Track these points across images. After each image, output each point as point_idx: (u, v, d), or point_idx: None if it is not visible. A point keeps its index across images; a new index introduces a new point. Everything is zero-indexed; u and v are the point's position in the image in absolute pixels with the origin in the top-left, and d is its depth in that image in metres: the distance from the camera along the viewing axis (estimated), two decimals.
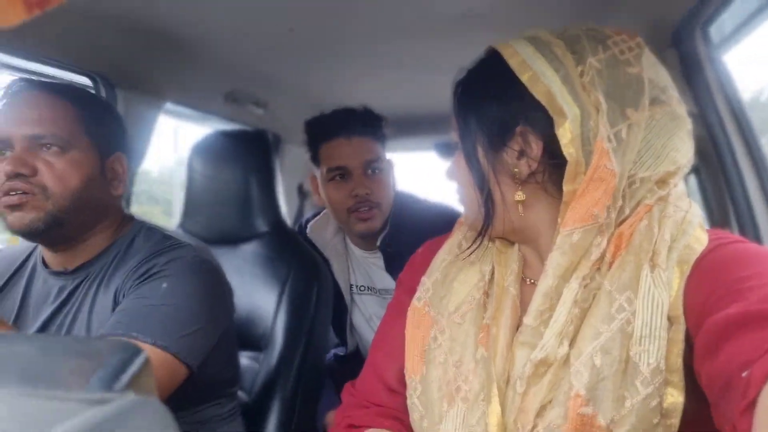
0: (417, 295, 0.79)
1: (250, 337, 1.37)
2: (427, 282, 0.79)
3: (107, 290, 0.96)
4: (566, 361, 0.61)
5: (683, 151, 0.64)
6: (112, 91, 1.41)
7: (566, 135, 0.62)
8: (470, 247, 0.77)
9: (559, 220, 0.65)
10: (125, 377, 0.26)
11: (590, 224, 0.62)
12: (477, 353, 0.69)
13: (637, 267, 0.61)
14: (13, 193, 0.90)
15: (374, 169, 1.46)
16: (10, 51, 1.18)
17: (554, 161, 0.65)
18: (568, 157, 0.62)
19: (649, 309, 0.58)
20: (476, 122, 0.70)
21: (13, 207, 0.89)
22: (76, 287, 0.98)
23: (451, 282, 0.77)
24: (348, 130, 1.44)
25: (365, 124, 1.47)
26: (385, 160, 1.51)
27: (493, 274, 0.75)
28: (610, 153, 0.61)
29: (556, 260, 0.64)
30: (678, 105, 0.66)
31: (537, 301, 0.65)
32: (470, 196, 0.73)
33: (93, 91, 1.37)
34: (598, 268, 0.63)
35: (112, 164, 1.01)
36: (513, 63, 0.66)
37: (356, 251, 1.61)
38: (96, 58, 1.32)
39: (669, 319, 0.58)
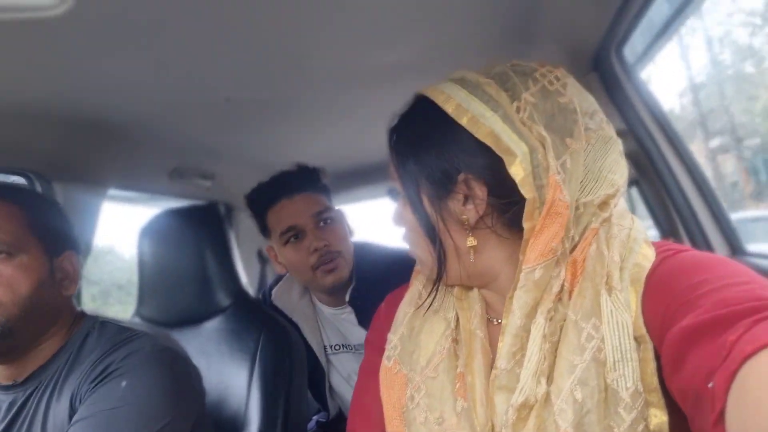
0: (386, 353, 0.77)
1: (224, 420, 1.31)
2: (393, 339, 0.78)
3: (61, 397, 0.90)
4: (547, 399, 0.60)
5: (619, 172, 0.66)
6: (48, 186, 1.37)
7: (519, 173, 0.62)
8: (429, 296, 0.76)
9: (520, 257, 0.64)
10: None
11: (550, 258, 0.62)
12: (457, 405, 0.67)
13: (595, 292, 0.61)
14: None
15: (326, 220, 1.46)
16: None
17: (502, 201, 0.65)
18: (525, 195, 0.62)
19: (615, 333, 0.58)
20: (417, 171, 0.69)
21: None
22: (27, 398, 0.92)
23: (418, 335, 0.75)
24: (288, 190, 1.45)
25: (303, 180, 1.48)
26: (333, 209, 1.50)
27: (458, 320, 0.74)
28: (561, 185, 0.62)
29: (521, 299, 0.64)
30: (607, 127, 0.67)
31: (507, 343, 0.64)
32: (420, 244, 0.73)
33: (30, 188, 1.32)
34: (560, 299, 0.63)
35: (62, 264, 0.97)
36: (448, 108, 0.66)
37: (325, 310, 1.58)
38: (28, 156, 1.29)
39: (636, 339, 0.58)
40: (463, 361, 0.69)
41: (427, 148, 0.68)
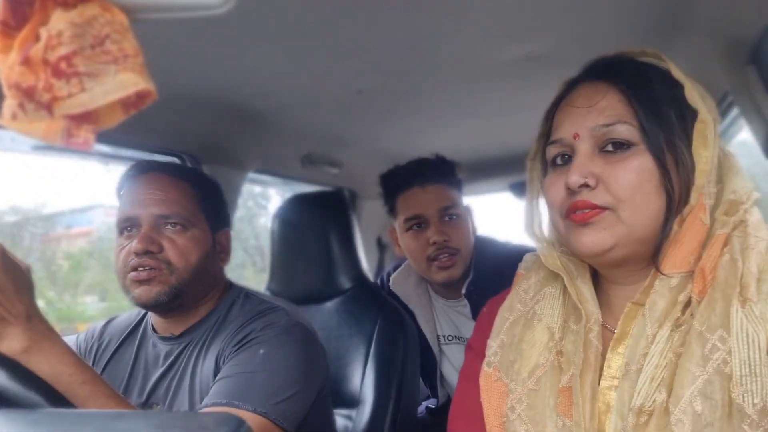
0: (486, 359, 0.76)
1: (341, 395, 1.38)
2: (493, 345, 0.76)
3: (208, 354, 1.01)
4: (665, 409, 0.57)
5: (740, 178, 0.65)
6: (198, 167, 1.53)
7: (702, 176, 0.63)
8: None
9: (658, 260, 0.63)
10: None
11: (687, 271, 0.61)
12: (558, 421, 0.65)
13: (725, 304, 0.57)
14: (142, 269, 0.98)
15: (451, 216, 1.46)
16: (100, 140, 1.31)
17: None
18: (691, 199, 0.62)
19: (745, 346, 0.55)
20: (666, 118, 0.64)
21: (142, 282, 0.97)
22: (181, 351, 1.04)
23: (519, 344, 0.73)
24: (422, 179, 1.46)
25: (438, 171, 1.48)
26: (461, 206, 1.51)
27: (563, 328, 0.70)
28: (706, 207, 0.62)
29: (655, 305, 0.62)
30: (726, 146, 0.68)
31: (638, 349, 0.62)
32: (648, 205, 0.63)
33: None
34: (692, 313, 0.60)
35: (221, 238, 1.10)
36: (677, 75, 0.66)
37: (440, 300, 1.59)
38: (181, 138, 1.44)
39: None
40: (568, 377, 0.66)
41: (670, 100, 0.65)
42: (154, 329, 1.09)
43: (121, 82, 0.40)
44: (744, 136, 1.60)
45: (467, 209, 1.54)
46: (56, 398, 0.74)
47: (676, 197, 0.63)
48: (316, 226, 1.50)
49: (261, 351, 0.94)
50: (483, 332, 0.80)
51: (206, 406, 0.89)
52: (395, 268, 1.67)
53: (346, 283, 1.49)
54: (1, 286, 0.75)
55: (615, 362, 0.65)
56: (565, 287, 0.73)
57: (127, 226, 1.01)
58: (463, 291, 1.49)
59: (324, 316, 1.46)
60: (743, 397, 0.53)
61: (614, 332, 0.66)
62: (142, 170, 1.04)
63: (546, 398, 0.67)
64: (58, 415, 0.50)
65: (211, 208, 1.08)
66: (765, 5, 0.94)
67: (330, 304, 1.48)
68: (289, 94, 1.34)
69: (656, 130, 0.63)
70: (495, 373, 0.73)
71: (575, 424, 0.63)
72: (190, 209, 1.02)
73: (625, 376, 0.62)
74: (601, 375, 0.65)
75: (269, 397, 0.89)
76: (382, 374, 1.36)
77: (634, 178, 0.62)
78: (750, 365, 0.54)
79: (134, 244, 0.97)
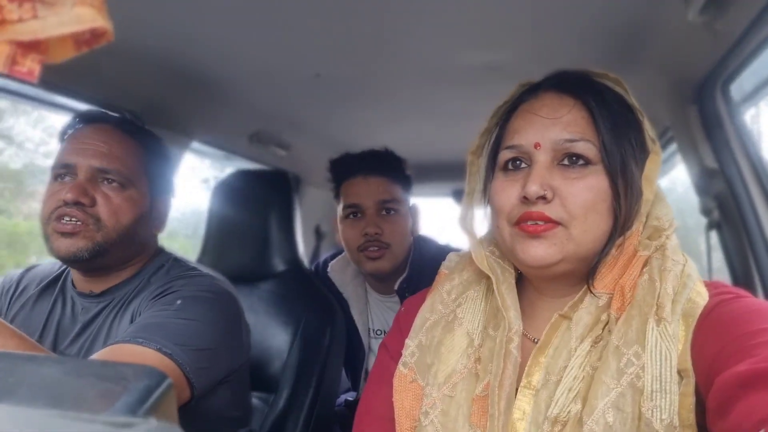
0: (402, 359, 0.74)
1: (262, 378, 1.36)
2: (411, 345, 0.75)
3: (125, 315, 0.97)
4: (579, 420, 0.59)
5: (666, 209, 0.69)
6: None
7: (646, 205, 0.66)
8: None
9: (591, 281, 0.65)
10: (149, 403, 0.27)
11: (611, 292, 0.65)
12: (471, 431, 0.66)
13: (642, 321, 0.60)
14: (68, 219, 0.92)
15: (389, 210, 1.48)
16: (45, 86, 1.23)
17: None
18: (639, 225, 0.66)
19: (658, 363, 0.57)
20: (626, 141, 0.66)
21: (65, 234, 0.92)
22: (99, 311, 1.00)
23: (438, 346, 0.72)
24: (366, 170, 1.47)
25: (383, 165, 1.49)
26: (402, 202, 1.51)
27: (482, 334, 0.71)
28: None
29: (582, 320, 0.64)
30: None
31: (559, 360, 0.64)
32: (597, 224, 0.64)
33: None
34: (609, 329, 0.63)
35: (159, 205, 1.06)
36: (647, 124, 0.68)
37: (374, 294, 1.60)
38: (128, 95, 1.37)
39: (679, 372, 0.57)
40: (483, 385, 0.67)
41: (627, 124, 0.67)
42: (73, 285, 1.04)
43: (77, 16, 0.37)
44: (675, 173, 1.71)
45: (412, 208, 1.55)
46: None
47: (621, 221, 0.64)
48: (257, 204, 1.47)
49: (178, 301, 0.91)
50: (400, 332, 0.79)
51: (110, 344, 0.84)
52: (333, 257, 1.66)
53: (280, 265, 1.47)
54: None
55: (535, 372, 0.65)
56: (488, 292, 0.73)
57: (62, 173, 0.96)
58: (396, 287, 1.50)
59: (254, 296, 1.43)
60: (652, 411, 0.55)
61: (535, 342, 0.67)
62: (90, 119, 0.99)
63: (460, 406, 0.67)
64: None
65: (156, 172, 1.04)
66: (711, 50, 1.00)
67: (261, 285, 1.46)
68: (246, 67, 1.31)
69: (615, 153, 0.64)
70: (411, 374, 0.73)
71: (489, 428, 0.64)
72: (132, 168, 0.98)
73: (543, 386, 0.63)
74: (518, 384, 0.66)
75: (178, 342, 0.84)
76: (305, 361, 1.35)
77: (590, 197, 0.63)
78: (661, 382, 0.56)
79: (65, 193, 0.92)
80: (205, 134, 1.68)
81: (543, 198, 0.63)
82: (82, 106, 1.35)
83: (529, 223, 0.64)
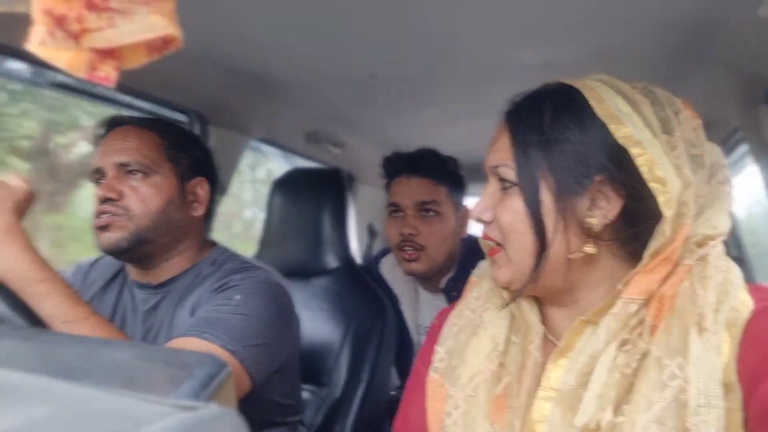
0: (433, 365, 0.76)
1: (313, 371, 1.39)
2: (440, 351, 0.76)
3: (184, 307, 1.02)
4: (614, 431, 0.58)
5: (723, 220, 0.64)
6: (205, 127, 1.53)
7: (669, 210, 0.60)
8: (505, 301, 0.71)
9: (620, 286, 0.62)
10: (210, 388, 0.28)
11: (647, 297, 0.61)
12: (489, 428, 0.66)
13: (683, 330, 0.58)
14: (102, 215, 0.99)
15: (428, 211, 1.47)
16: (118, 89, 1.31)
17: (630, 219, 0.63)
18: (663, 233, 0.60)
19: (703, 376, 0.55)
20: (543, 160, 0.64)
21: (102, 228, 0.99)
22: (159, 302, 1.05)
23: (464, 350, 0.73)
24: (409, 170, 1.49)
25: (427, 165, 1.49)
26: (446, 203, 1.50)
27: (507, 340, 0.71)
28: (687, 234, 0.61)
29: (609, 325, 0.62)
30: (728, 184, 0.66)
31: (580, 362, 0.62)
32: (521, 242, 0.65)
33: (184, 125, 1.48)
34: (639, 332, 0.61)
35: (193, 187, 1.09)
36: (600, 110, 0.63)
37: (422, 291, 1.61)
38: (192, 96, 1.44)
39: (725, 385, 0.55)
40: (504, 385, 0.67)
41: (562, 139, 0.64)
42: (132, 277, 1.10)
43: (150, 24, 0.40)
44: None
45: (455, 209, 1.53)
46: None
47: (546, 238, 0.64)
48: (311, 202, 1.50)
49: (237, 296, 0.95)
50: (433, 340, 0.80)
51: (177, 337, 0.89)
52: (384, 253, 1.68)
53: (333, 261, 1.50)
54: None
55: (555, 374, 0.64)
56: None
57: (96, 177, 1.04)
58: (442, 286, 1.50)
59: (308, 291, 1.47)
60: (698, 427, 0.53)
61: (557, 345, 0.66)
62: (109, 125, 1.07)
63: (480, 405, 0.67)
64: (47, 335, 0.51)
65: (181, 157, 1.08)
66: None
67: (315, 281, 1.49)
68: (304, 68, 1.34)
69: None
70: (440, 379, 0.74)
71: (507, 430, 0.64)
72: (152, 157, 1.03)
73: (566, 390, 0.62)
74: (538, 386, 0.65)
75: (240, 339, 0.90)
76: (357, 356, 1.38)
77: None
78: (707, 396, 0.54)
79: (98, 193, 1.00)
80: (263, 133, 1.74)
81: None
82: (150, 107, 1.43)
83: None
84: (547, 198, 0.63)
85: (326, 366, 1.41)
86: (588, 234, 0.64)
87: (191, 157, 1.10)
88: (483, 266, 0.83)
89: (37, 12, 0.40)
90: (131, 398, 0.26)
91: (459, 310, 0.78)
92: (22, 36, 0.42)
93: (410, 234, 1.45)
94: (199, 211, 1.10)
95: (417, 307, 1.63)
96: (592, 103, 0.64)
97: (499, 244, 0.68)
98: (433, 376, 0.75)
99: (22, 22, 0.41)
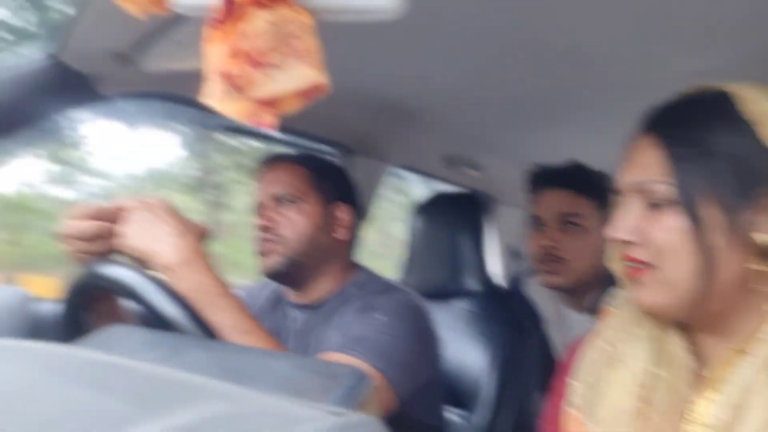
0: (570, 400, 0.72)
1: (457, 394, 1.40)
2: (575, 384, 0.72)
3: (332, 326, 1.09)
4: None
5: None
6: (349, 158, 1.64)
7: None
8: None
9: (766, 307, 0.58)
10: (356, 399, 0.32)
11: None
12: None
13: None
14: (261, 242, 1.12)
15: (570, 223, 1.40)
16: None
17: None
18: None
19: None
20: (704, 171, 0.59)
21: (262, 254, 1.12)
22: (310, 321, 1.14)
23: (600, 384, 0.69)
24: (550, 183, 1.44)
25: (568, 177, 1.43)
26: (591, 216, 1.42)
27: (650, 375, 0.65)
28: None
29: (759, 353, 0.57)
30: None
31: (732, 394, 0.57)
32: (683, 265, 0.59)
33: (331, 157, 1.61)
34: None
35: (335, 212, 1.18)
36: (757, 116, 0.58)
37: (567, 311, 1.54)
38: (337, 130, 1.56)
39: None
40: (653, 421, 0.62)
41: (720, 149, 0.60)
42: (288, 298, 1.21)
43: (302, 75, 0.46)
44: None
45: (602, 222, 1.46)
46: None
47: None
48: (450, 225, 1.53)
49: (382, 317, 1.00)
50: (565, 375, 0.76)
51: (324, 352, 0.96)
52: (530, 273, 1.64)
53: (473, 284, 1.51)
54: (164, 208, 0.87)
55: (703, 407, 0.60)
56: (653, 328, 0.67)
57: (256, 208, 1.17)
58: (586, 304, 1.42)
59: (449, 313, 1.49)
60: None
61: (704, 377, 0.62)
62: (266, 161, 1.20)
63: None
64: (222, 345, 0.58)
65: (324, 185, 1.17)
66: None
67: (456, 303, 1.51)
68: (443, 94, 1.38)
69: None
70: (578, 415, 0.71)
71: None
72: (298, 186, 1.14)
73: (718, 425, 0.57)
74: (680, 419, 0.61)
75: (385, 357, 0.94)
76: (505, 383, 1.36)
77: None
78: None
79: (257, 222, 1.13)
80: (403, 160, 1.81)
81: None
82: (302, 142, 1.58)
83: None
84: (710, 214, 0.59)
85: (470, 390, 1.40)
86: (757, 252, 0.59)
87: (334, 185, 1.20)
88: (619, 294, 0.78)
89: (212, 72, 0.48)
90: (291, 402, 0.30)
91: (593, 341, 0.74)
92: (194, 88, 0.50)
93: (550, 246, 1.40)
94: (343, 234, 1.18)
95: (565, 327, 1.56)
96: (746, 107, 0.60)
97: (645, 264, 0.63)
98: (570, 412, 0.72)
99: (196, 76, 0.50)
